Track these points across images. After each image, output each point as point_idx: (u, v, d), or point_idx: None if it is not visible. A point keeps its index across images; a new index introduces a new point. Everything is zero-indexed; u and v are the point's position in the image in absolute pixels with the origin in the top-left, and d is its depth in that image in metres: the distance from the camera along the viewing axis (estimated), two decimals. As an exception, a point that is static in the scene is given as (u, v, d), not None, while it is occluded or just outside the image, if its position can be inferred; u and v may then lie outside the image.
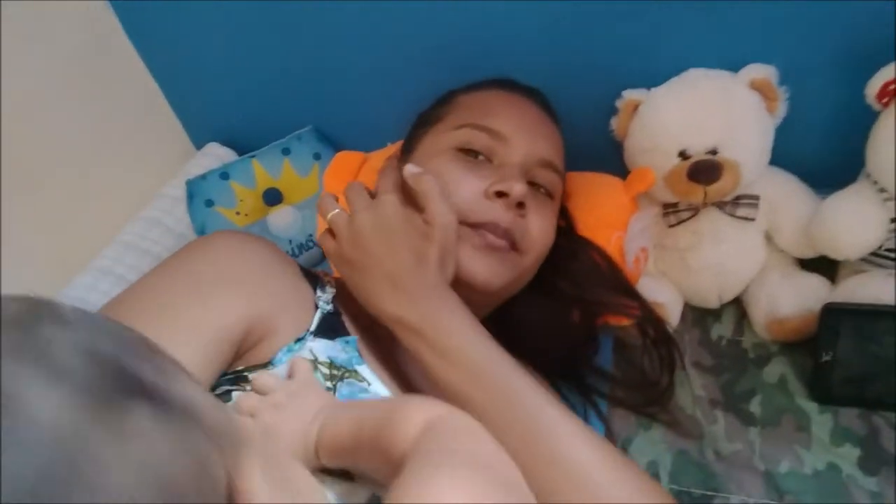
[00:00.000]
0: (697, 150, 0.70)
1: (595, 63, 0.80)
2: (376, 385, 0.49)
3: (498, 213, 0.56)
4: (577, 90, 0.80)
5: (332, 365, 0.48)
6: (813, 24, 0.70)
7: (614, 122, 0.78)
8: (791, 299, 0.70)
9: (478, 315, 0.63)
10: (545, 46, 0.83)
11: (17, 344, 0.21)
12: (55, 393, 0.20)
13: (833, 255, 0.69)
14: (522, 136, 0.61)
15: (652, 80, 0.75)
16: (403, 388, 0.52)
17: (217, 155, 1.05)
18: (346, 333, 0.52)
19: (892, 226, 0.66)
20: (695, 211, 0.74)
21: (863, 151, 0.68)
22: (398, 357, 0.56)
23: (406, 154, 0.66)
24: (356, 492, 0.41)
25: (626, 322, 0.72)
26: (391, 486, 0.30)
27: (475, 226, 0.56)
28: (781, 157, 0.74)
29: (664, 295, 0.76)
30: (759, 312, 0.73)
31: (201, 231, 0.94)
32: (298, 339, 0.48)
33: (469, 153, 0.60)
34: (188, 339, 0.42)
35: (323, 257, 0.98)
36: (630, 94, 0.76)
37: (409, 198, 0.55)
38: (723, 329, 0.78)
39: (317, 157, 0.99)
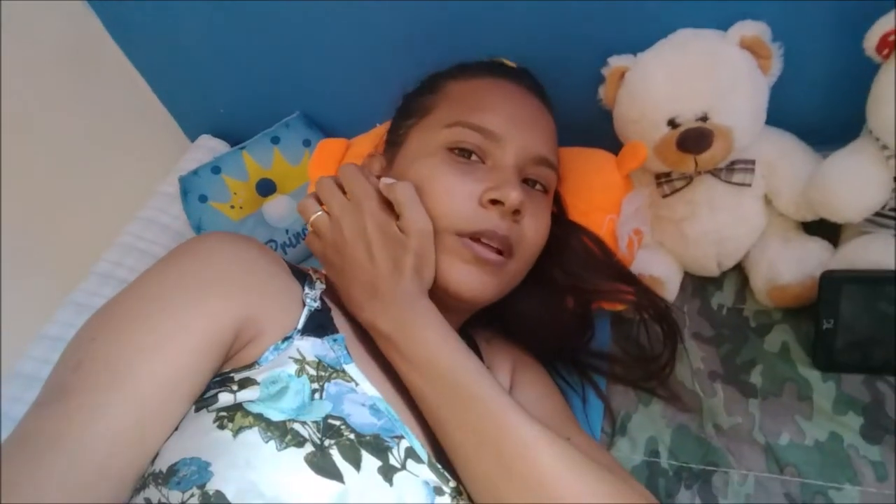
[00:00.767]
0: (686, 117, 0.67)
1: (579, 29, 0.77)
2: (364, 385, 0.48)
3: (494, 221, 0.55)
4: (562, 59, 0.77)
5: (319, 364, 0.47)
6: (806, -28, 0.66)
7: (602, 91, 0.75)
8: (792, 265, 0.68)
9: (464, 316, 0.63)
10: (527, 16, 0.80)
11: None
12: None
13: (833, 217, 0.66)
14: (516, 134, 0.58)
15: (639, 44, 0.72)
16: (391, 386, 0.52)
17: (209, 147, 1.05)
18: (335, 330, 0.51)
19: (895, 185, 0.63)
20: (688, 180, 0.72)
21: (863, 107, 0.64)
22: (384, 356, 0.56)
23: (393, 147, 0.64)
24: None
25: (621, 308, 0.71)
26: None
27: (471, 235, 0.55)
28: (778, 116, 0.71)
29: (662, 268, 0.74)
30: (760, 279, 0.71)
31: (198, 227, 0.95)
32: (286, 338, 0.48)
33: (461, 153, 0.57)
34: (179, 343, 0.42)
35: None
36: (616, 61, 0.73)
37: (388, 201, 0.54)
38: (724, 297, 0.76)
39: (306, 143, 0.98)
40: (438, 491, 0.45)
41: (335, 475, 0.41)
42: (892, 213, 0.64)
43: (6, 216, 0.83)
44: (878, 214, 0.65)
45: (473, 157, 0.58)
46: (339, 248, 0.53)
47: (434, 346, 0.48)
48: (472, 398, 0.46)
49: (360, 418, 0.46)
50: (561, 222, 0.70)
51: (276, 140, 0.98)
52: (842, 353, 0.65)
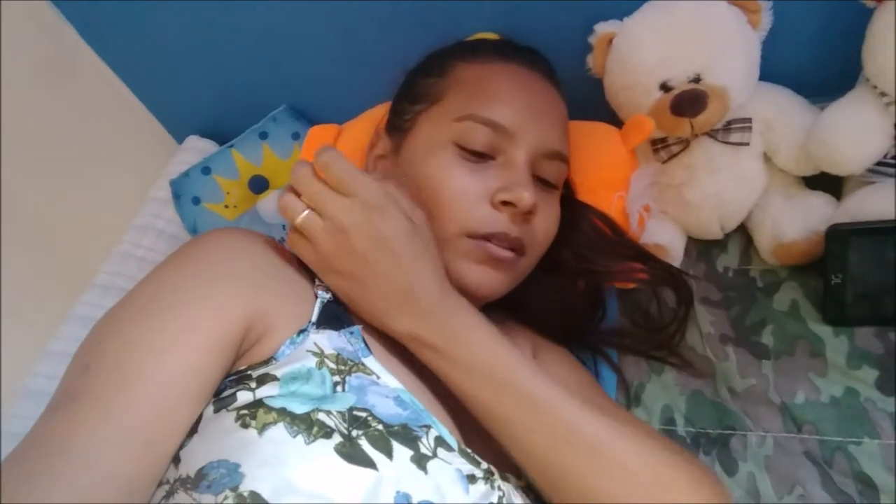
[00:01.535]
0: (679, 80, 0.66)
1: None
2: (385, 377, 0.47)
3: (506, 223, 0.54)
4: (546, 29, 0.75)
5: (338, 358, 0.46)
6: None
7: (590, 60, 0.74)
8: (796, 222, 0.67)
9: (476, 308, 0.62)
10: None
11: None
12: None
13: (835, 170, 0.65)
14: (530, 128, 0.56)
15: (625, 9, 0.70)
16: (413, 377, 0.51)
17: (198, 148, 1.04)
18: (351, 322, 0.50)
19: (896, 132, 0.62)
20: (685, 143, 0.70)
21: (857, 55, 0.63)
22: (404, 346, 0.55)
23: (398, 132, 0.61)
24: None
25: (633, 286, 0.70)
26: None
27: (483, 237, 0.53)
28: (771, 70, 0.69)
29: (665, 235, 0.73)
30: (765, 238, 0.70)
31: (193, 230, 0.94)
32: (301, 331, 0.47)
33: (471, 149, 0.56)
34: (188, 341, 0.42)
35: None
36: (602, 28, 0.71)
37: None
38: (729, 259, 0.75)
39: (295, 136, 0.97)
40: (471, 479, 0.45)
41: (368, 463, 0.40)
42: (893, 161, 0.63)
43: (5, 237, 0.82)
44: (879, 164, 0.64)
45: (485, 153, 0.56)
46: (348, 251, 0.47)
47: (487, 348, 0.48)
48: (538, 401, 0.46)
49: (386, 409, 0.45)
50: (569, 203, 0.68)
51: (264, 135, 0.96)
52: (852, 307, 0.64)
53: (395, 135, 0.62)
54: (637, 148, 0.74)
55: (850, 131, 0.62)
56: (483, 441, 0.49)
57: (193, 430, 0.42)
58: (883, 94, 0.62)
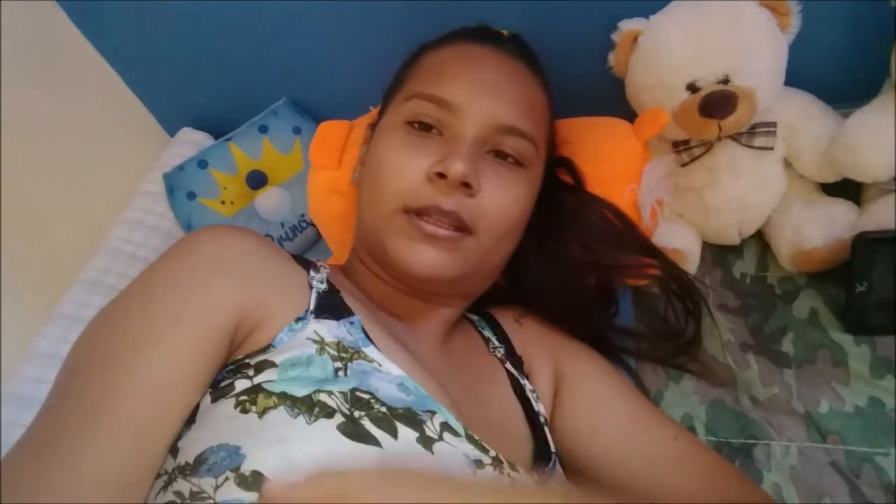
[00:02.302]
0: (708, 80, 0.64)
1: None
2: (387, 365, 0.46)
3: (438, 196, 0.51)
4: (567, 25, 0.74)
5: (339, 346, 0.46)
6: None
7: (612, 58, 0.72)
8: (818, 229, 0.66)
9: (464, 301, 0.60)
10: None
11: None
12: None
13: (860, 177, 0.64)
14: (477, 103, 0.54)
15: (650, 6, 0.69)
16: (415, 366, 0.50)
17: (192, 141, 0.99)
18: (350, 312, 0.49)
19: (923, 139, 0.61)
20: (708, 146, 0.69)
21: (886, 61, 0.62)
22: (402, 337, 0.54)
23: (375, 124, 0.61)
24: None
25: (644, 283, 0.68)
26: None
27: (416, 212, 0.52)
28: (796, 75, 0.68)
29: (682, 240, 0.72)
30: (784, 245, 0.69)
31: (188, 226, 0.90)
32: (300, 319, 0.46)
33: (420, 127, 0.55)
34: (177, 333, 0.41)
35: (317, 239, 0.94)
36: (627, 25, 0.69)
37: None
38: (746, 266, 0.74)
39: (297, 131, 0.93)
40: (479, 464, 0.44)
41: (373, 441, 0.40)
42: (919, 170, 0.63)
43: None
44: (904, 172, 0.63)
45: (434, 131, 0.55)
46: None
47: None
48: None
49: (389, 392, 0.44)
50: (577, 194, 0.67)
51: (264, 129, 0.92)
52: (875, 316, 0.63)
53: (373, 127, 0.62)
54: (650, 142, 0.72)
55: (876, 138, 0.62)
56: (488, 436, 0.47)
57: (191, 421, 0.41)
58: (911, 101, 0.61)
